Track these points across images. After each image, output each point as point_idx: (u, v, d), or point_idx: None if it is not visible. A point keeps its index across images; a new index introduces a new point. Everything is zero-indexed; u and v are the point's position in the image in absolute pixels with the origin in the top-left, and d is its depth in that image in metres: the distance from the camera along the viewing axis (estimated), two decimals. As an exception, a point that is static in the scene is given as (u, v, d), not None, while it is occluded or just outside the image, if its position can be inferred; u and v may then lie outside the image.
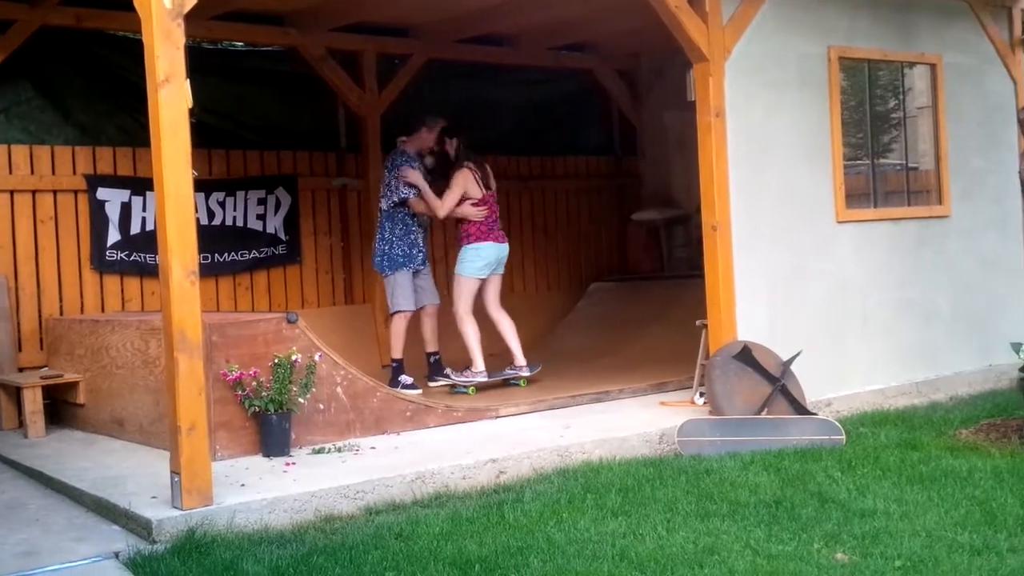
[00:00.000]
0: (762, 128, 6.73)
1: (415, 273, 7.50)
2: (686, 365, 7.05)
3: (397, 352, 7.40)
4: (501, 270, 7.55)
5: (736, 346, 6.26)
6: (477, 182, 7.37)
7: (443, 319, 7.66)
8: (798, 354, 6.33)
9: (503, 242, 7.50)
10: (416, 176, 7.37)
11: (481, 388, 7.23)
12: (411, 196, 7.37)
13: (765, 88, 6.76)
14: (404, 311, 7.41)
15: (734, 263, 6.49)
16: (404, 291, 7.40)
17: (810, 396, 6.43)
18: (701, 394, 6.50)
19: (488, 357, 7.44)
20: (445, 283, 8.27)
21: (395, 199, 7.38)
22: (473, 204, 7.36)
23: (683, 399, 6.69)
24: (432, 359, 7.61)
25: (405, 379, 7.25)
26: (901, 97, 7.95)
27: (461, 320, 7.33)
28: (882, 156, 7.86)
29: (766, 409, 6.10)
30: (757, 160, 6.68)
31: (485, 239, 7.38)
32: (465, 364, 7.42)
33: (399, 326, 7.41)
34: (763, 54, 6.74)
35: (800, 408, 6.22)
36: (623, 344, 8.17)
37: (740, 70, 6.60)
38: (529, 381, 7.40)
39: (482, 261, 7.37)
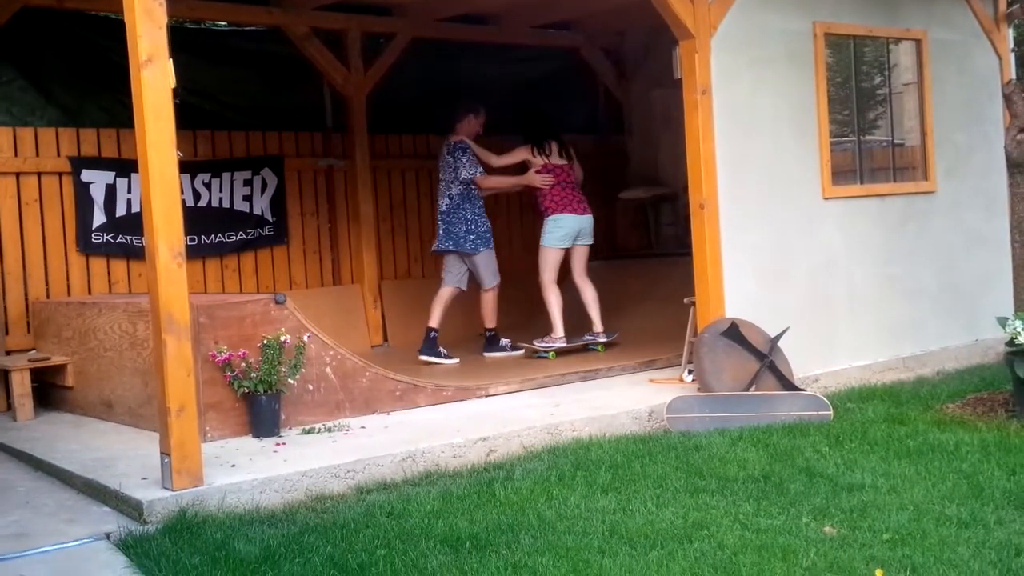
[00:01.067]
0: (748, 105, 6.73)
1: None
2: (675, 342, 7.07)
3: (491, 322, 7.97)
4: (588, 240, 7.94)
5: (724, 323, 6.28)
6: (535, 154, 7.90)
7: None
8: (785, 330, 6.36)
9: (583, 213, 7.88)
10: (481, 152, 7.91)
11: (560, 353, 7.66)
12: (479, 173, 7.79)
13: (751, 65, 6.75)
14: (495, 285, 7.89)
15: (721, 241, 6.50)
16: (495, 266, 7.89)
17: (798, 372, 6.47)
18: (690, 371, 6.52)
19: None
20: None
21: (467, 175, 7.74)
22: (536, 171, 7.86)
23: (672, 376, 6.71)
24: (489, 333, 8.04)
25: (505, 342, 7.93)
26: (887, 73, 7.95)
27: (544, 288, 7.82)
28: (868, 132, 7.87)
29: (754, 385, 6.13)
30: (744, 137, 6.69)
31: (563, 210, 7.81)
32: (545, 331, 7.86)
33: (492, 300, 7.90)
34: (749, 31, 6.73)
35: (788, 384, 6.25)
36: (613, 322, 8.18)
37: (726, 47, 6.59)
38: (606, 346, 7.85)
39: (561, 231, 7.80)
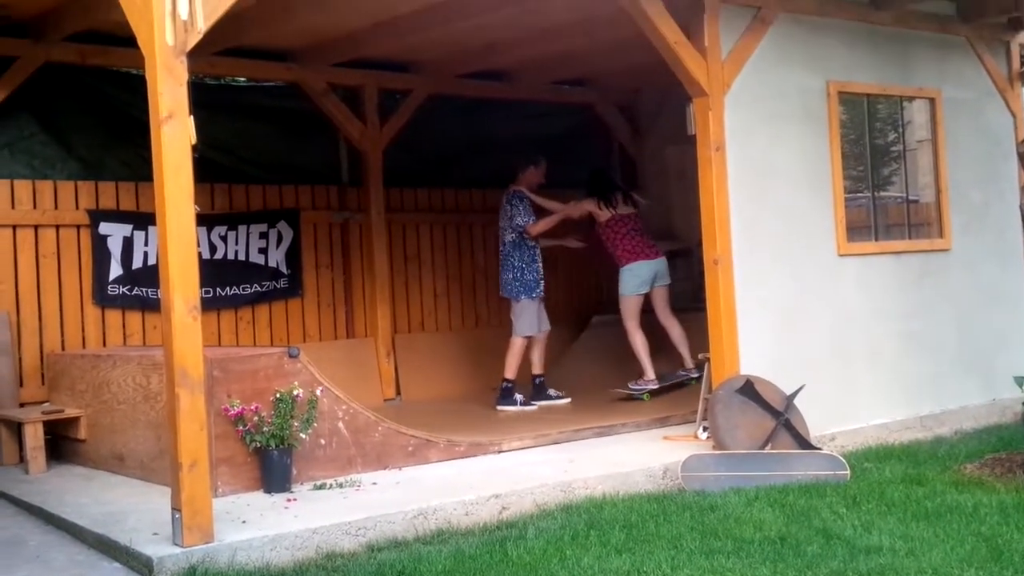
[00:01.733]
0: (763, 162, 6.75)
1: (542, 297, 8.20)
2: (689, 399, 7.02)
3: (511, 373, 8.03)
4: (665, 281, 8.28)
5: (739, 380, 6.24)
6: (601, 207, 8.25)
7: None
8: (801, 388, 6.31)
9: (655, 257, 8.23)
10: (539, 200, 8.27)
11: (655, 394, 7.90)
12: (530, 222, 8.08)
13: (765, 122, 6.79)
14: (528, 335, 8.10)
15: (736, 297, 6.49)
16: (531, 317, 8.10)
17: (814, 431, 6.41)
18: (704, 428, 6.47)
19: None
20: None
21: (519, 222, 8.10)
22: (604, 223, 8.24)
23: (687, 433, 6.66)
24: (537, 381, 8.20)
25: (519, 397, 7.91)
26: (901, 130, 7.98)
27: (630, 335, 8.10)
28: (882, 189, 7.88)
29: (770, 444, 6.07)
30: (758, 194, 6.70)
31: (636, 258, 8.16)
32: (638, 373, 8.11)
33: (519, 349, 8.09)
34: (762, 88, 6.78)
35: (804, 443, 6.19)
36: (627, 377, 8.16)
37: (740, 104, 6.63)
38: (698, 381, 7.82)
39: (638, 279, 8.13)
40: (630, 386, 7.98)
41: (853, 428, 6.92)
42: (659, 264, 8.23)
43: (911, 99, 7.89)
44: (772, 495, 5.44)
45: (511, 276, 8.13)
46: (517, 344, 8.10)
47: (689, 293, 9.70)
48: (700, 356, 6.70)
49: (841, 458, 6.00)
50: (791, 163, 6.91)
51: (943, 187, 7.89)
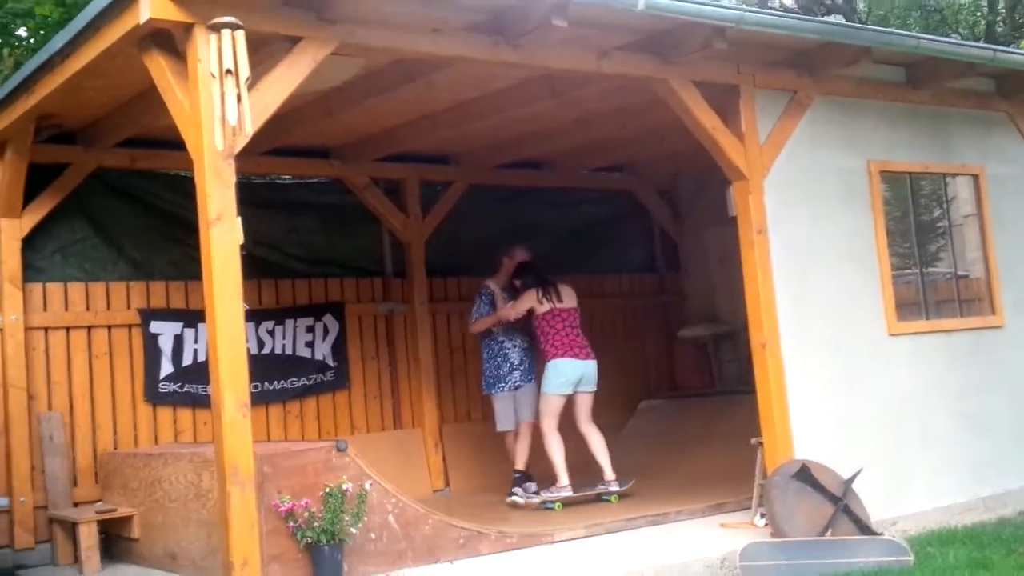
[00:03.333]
0: (806, 243, 6.73)
1: (515, 390, 7.85)
2: (743, 484, 6.89)
3: (518, 464, 7.77)
4: (590, 387, 7.64)
5: (794, 465, 6.12)
6: (541, 299, 7.66)
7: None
8: (859, 472, 6.17)
9: (585, 359, 7.60)
10: (499, 301, 7.92)
11: (569, 504, 7.33)
12: (472, 320, 7.98)
13: (807, 203, 6.78)
14: (505, 431, 7.88)
15: (786, 379, 6.40)
16: (503, 414, 7.86)
17: (874, 515, 6.24)
18: (761, 515, 6.33)
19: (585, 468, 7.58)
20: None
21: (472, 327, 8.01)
22: (541, 315, 7.63)
23: (743, 520, 6.51)
24: (515, 475, 7.78)
25: (529, 486, 7.63)
26: (945, 206, 7.93)
27: (545, 435, 7.52)
28: (930, 265, 7.80)
29: (830, 530, 5.92)
30: (804, 275, 6.66)
31: (563, 355, 7.54)
32: (552, 480, 7.52)
33: (508, 443, 7.88)
34: (802, 170, 6.79)
35: (865, 528, 6.03)
36: (677, 463, 8.04)
37: (780, 186, 6.64)
38: (620, 496, 7.47)
39: (562, 377, 7.51)
40: (543, 493, 7.40)
41: (914, 512, 6.73)
42: (587, 367, 7.56)
43: (954, 175, 7.86)
44: (834, 584, 5.28)
45: (482, 369, 7.99)
46: (506, 441, 7.91)
47: (736, 376, 9.62)
48: (752, 441, 6.58)
49: (904, 543, 5.83)
50: (836, 243, 6.88)
51: (992, 264, 7.79)
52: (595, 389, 7.67)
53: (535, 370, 7.90)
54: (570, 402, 7.60)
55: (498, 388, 7.87)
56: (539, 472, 7.83)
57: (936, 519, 6.79)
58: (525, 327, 7.90)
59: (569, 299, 7.74)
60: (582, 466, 7.72)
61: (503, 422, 7.88)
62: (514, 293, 7.90)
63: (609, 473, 7.53)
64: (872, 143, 7.21)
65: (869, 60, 6.62)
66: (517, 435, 7.85)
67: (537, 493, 7.55)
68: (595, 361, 7.67)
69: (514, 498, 7.52)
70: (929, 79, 7.33)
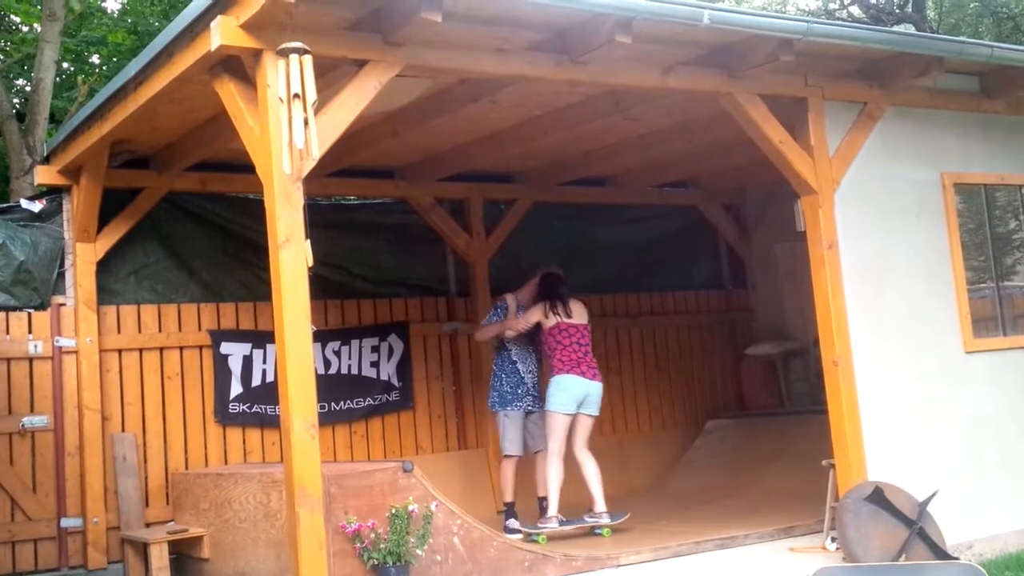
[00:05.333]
0: (878, 257, 6.58)
1: (527, 414, 7.47)
2: (813, 506, 6.75)
3: (506, 496, 7.41)
4: (593, 411, 7.21)
5: (867, 487, 5.97)
6: (547, 313, 7.28)
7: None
8: (934, 494, 6.00)
9: (593, 379, 7.18)
10: (491, 319, 7.60)
11: (553, 537, 6.90)
12: (479, 332, 7.68)
13: (878, 217, 6.64)
14: (510, 456, 7.40)
15: (858, 399, 6.26)
16: (511, 434, 7.40)
17: (950, 538, 6.06)
18: (833, 539, 6.18)
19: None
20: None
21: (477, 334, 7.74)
22: (548, 330, 7.26)
23: (813, 544, 6.37)
24: (543, 504, 7.37)
25: (511, 523, 7.21)
26: (1021, 218, 7.71)
27: (549, 457, 7.14)
28: (1006, 279, 7.58)
29: (904, 554, 5.75)
30: (876, 291, 6.52)
31: (569, 371, 7.15)
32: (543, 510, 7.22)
33: (507, 471, 7.41)
34: (873, 183, 6.65)
35: (940, 552, 5.85)
36: (745, 484, 7.89)
37: (850, 200, 6.51)
38: (614, 530, 7.04)
39: (566, 394, 7.12)
40: (529, 526, 7.04)
41: (991, 535, 6.53)
42: (593, 387, 7.14)
43: (1030, 186, 7.64)
44: (912, 610, 5.12)
45: (490, 386, 7.57)
46: (504, 467, 7.37)
47: (806, 395, 9.45)
48: (824, 462, 6.44)
49: (981, 568, 5.59)
50: (909, 257, 6.72)
51: (1072, 276, 7.55)
52: (597, 414, 7.27)
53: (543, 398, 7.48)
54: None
55: (514, 407, 7.38)
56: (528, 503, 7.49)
57: (1014, 542, 6.57)
58: (535, 351, 7.58)
59: (579, 315, 7.37)
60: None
61: (511, 446, 7.37)
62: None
63: (601, 504, 7.07)
64: (945, 155, 7.04)
65: (941, 70, 6.48)
66: (535, 461, 7.43)
67: (567, 521, 7.08)
68: (601, 384, 7.27)
69: (512, 533, 7.00)
70: (1003, 88, 7.14)
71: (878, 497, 5.89)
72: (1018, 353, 7.10)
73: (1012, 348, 7.09)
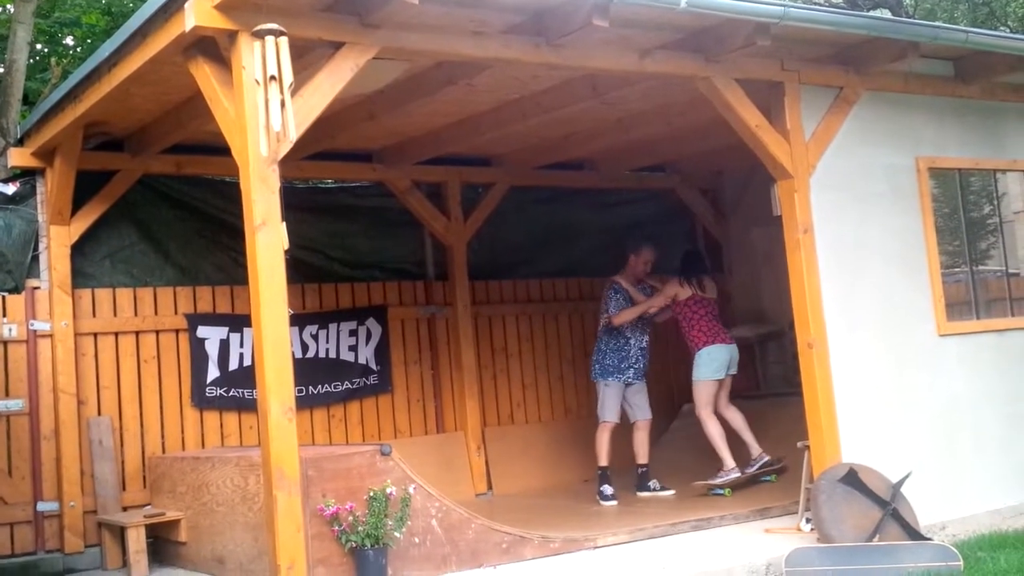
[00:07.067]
0: (854, 241, 6.63)
1: (626, 386, 7.99)
2: (788, 488, 6.81)
3: (601, 460, 7.89)
4: (734, 370, 7.98)
5: (841, 469, 6.03)
6: (683, 284, 8.03)
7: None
8: (908, 475, 6.07)
9: (730, 343, 7.97)
10: (632, 292, 8.12)
11: (736, 486, 7.57)
12: (605, 315, 8.05)
13: (853, 201, 6.68)
14: (607, 422, 7.92)
15: (833, 381, 6.31)
16: (611, 402, 7.95)
17: (923, 519, 6.14)
18: (807, 520, 6.24)
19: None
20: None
21: (606, 312, 8.08)
22: (683, 301, 7.99)
23: (788, 525, 6.43)
24: (640, 471, 8.02)
25: (605, 489, 7.73)
26: (996, 202, 7.78)
27: (704, 423, 7.78)
28: (980, 263, 7.66)
29: (877, 535, 5.82)
30: (851, 274, 6.57)
31: (712, 342, 7.87)
32: (716, 467, 7.74)
33: (603, 436, 7.92)
34: (849, 167, 6.69)
35: (914, 533, 5.93)
36: (721, 467, 7.93)
37: (826, 184, 6.55)
38: (778, 473, 7.72)
39: (716, 363, 7.83)
40: (710, 480, 7.63)
41: (963, 516, 6.61)
42: (734, 351, 7.98)
43: (1004, 171, 7.70)
44: (884, 589, 5.20)
45: (595, 359, 8.13)
46: (600, 432, 7.95)
47: (781, 377, 9.51)
48: (799, 444, 6.50)
49: (953, 549, 5.71)
50: (883, 241, 6.77)
51: (1044, 260, 7.63)
52: (736, 372, 8.01)
53: (647, 371, 8.17)
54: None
55: (614, 377, 7.96)
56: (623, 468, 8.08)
57: (986, 523, 6.65)
58: (646, 326, 8.15)
59: (711, 291, 8.11)
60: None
61: (609, 413, 7.93)
62: (646, 290, 8.19)
63: (756, 449, 7.75)
64: (920, 139, 7.09)
65: (917, 55, 6.51)
66: (631, 432, 8.02)
67: (651, 488, 7.85)
68: (736, 345, 8.03)
69: (602, 501, 7.70)
70: (978, 73, 7.19)
71: (852, 479, 5.95)
72: (991, 336, 7.18)
73: (985, 331, 7.17)
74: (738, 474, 7.60)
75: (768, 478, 7.76)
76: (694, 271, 8.15)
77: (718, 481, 7.60)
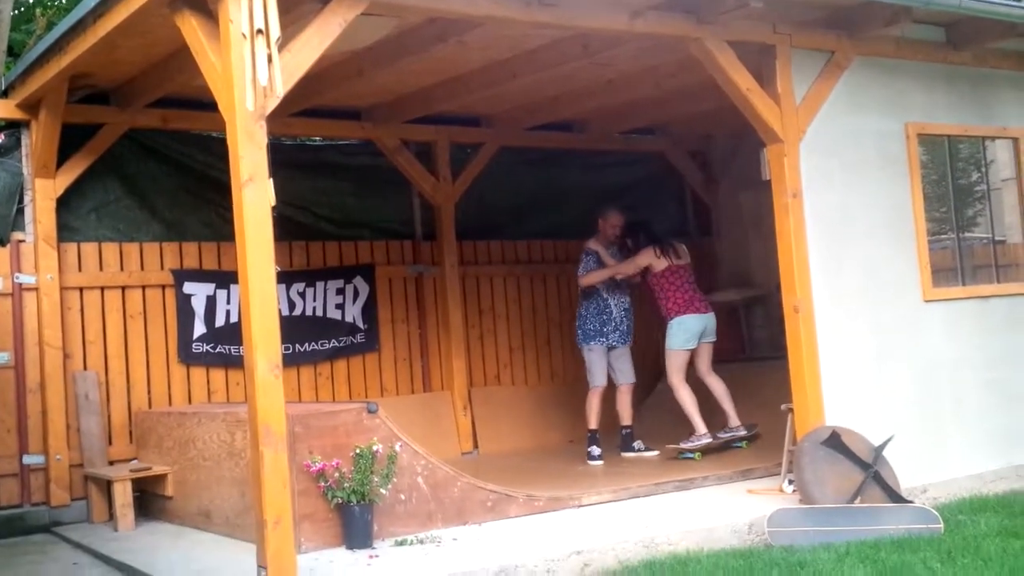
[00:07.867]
0: (842, 207, 6.64)
1: (609, 349, 8.02)
2: (772, 450, 6.87)
3: (591, 423, 7.95)
4: (711, 338, 7.96)
5: (824, 431, 6.09)
6: (659, 256, 7.92)
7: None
8: (890, 439, 6.13)
9: (705, 312, 7.91)
10: (604, 257, 8.09)
11: (707, 451, 7.63)
12: (580, 274, 8.06)
13: (842, 166, 6.69)
14: (597, 386, 7.98)
15: (818, 345, 6.35)
16: (597, 367, 8.01)
17: (904, 482, 6.21)
18: (790, 481, 6.31)
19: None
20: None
21: (580, 284, 8.12)
22: (660, 272, 7.89)
23: (771, 486, 6.50)
24: (624, 432, 8.11)
25: (593, 450, 7.82)
26: (984, 169, 7.79)
27: (676, 390, 7.81)
28: (967, 230, 7.68)
29: (859, 497, 5.89)
30: (838, 239, 6.59)
31: (685, 311, 7.83)
32: (689, 431, 7.78)
33: (593, 400, 7.98)
34: (838, 132, 6.69)
35: (895, 495, 6.00)
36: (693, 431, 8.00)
37: (816, 149, 6.55)
38: (750, 441, 7.86)
39: (687, 333, 7.81)
40: (681, 444, 7.67)
41: (945, 479, 6.69)
42: (709, 319, 7.92)
43: (993, 139, 7.71)
44: (863, 550, 5.27)
45: (576, 324, 8.16)
46: (590, 397, 8.00)
47: (767, 341, 9.55)
48: (783, 407, 6.55)
49: (934, 511, 5.79)
50: (871, 207, 6.79)
51: (1030, 228, 7.66)
52: (715, 339, 8.00)
53: (632, 333, 8.19)
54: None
55: (597, 341, 7.99)
56: (608, 429, 8.13)
57: (967, 487, 6.74)
58: (624, 287, 8.14)
59: (684, 256, 8.03)
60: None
61: (598, 377, 8.00)
62: (622, 252, 8.14)
63: (735, 419, 7.78)
64: (910, 105, 7.08)
65: (909, 19, 6.48)
66: (614, 394, 8.08)
67: (636, 449, 7.93)
68: (713, 313, 7.99)
69: (590, 461, 7.78)
70: (970, 40, 7.17)
71: (835, 441, 6.01)
72: (975, 303, 7.23)
73: (970, 297, 7.22)
74: (709, 439, 7.65)
75: (739, 444, 7.86)
76: (663, 240, 8.05)
77: (688, 445, 7.64)
